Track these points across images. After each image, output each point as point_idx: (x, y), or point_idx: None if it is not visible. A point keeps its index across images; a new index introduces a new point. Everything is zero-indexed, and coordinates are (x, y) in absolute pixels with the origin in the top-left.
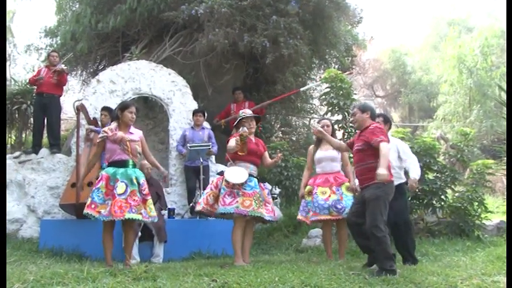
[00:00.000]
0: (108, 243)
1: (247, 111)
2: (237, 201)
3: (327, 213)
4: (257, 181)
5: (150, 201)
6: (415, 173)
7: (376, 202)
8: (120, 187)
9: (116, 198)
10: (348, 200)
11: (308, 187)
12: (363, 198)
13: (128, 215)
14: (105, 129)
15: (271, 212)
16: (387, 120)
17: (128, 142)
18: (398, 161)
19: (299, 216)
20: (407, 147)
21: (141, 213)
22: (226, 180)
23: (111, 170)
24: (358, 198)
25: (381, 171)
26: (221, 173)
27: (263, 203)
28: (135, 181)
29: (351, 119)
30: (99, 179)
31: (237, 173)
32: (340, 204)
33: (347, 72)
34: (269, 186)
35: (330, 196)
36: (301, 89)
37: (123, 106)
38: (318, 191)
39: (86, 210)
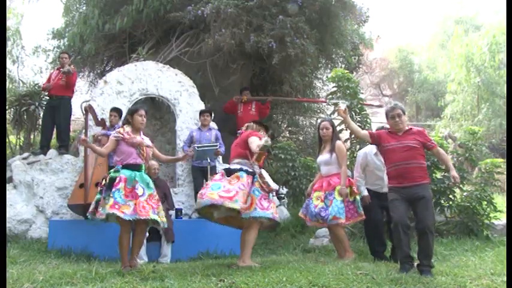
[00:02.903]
0: (126, 244)
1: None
2: (271, 207)
3: (315, 220)
4: None
5: (160, 206)
6: None
7: (431, 201)
8: (139, 189)
9: (138, 199)
10: (335, 206)
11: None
12: (411, 196)
13: (152, 216)
14: (121, 131)
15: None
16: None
17: (145, 147)
18: None
19: (300, 213)
20: None
21: (160, 216)
22: (264, 183)
23: (127, 172)
24: (401, 198)
25: (456, 173)
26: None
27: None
28: (151, 185)
29: (396, 120)
30: (117, 180)
31: (270, 179)
32: (325, 212)
33: (377, 105)
34: (276, 186)
35: (319, 203)
36: (329, 101)
37: (133, 110)
38: (314, 196)
39: (110, 210)
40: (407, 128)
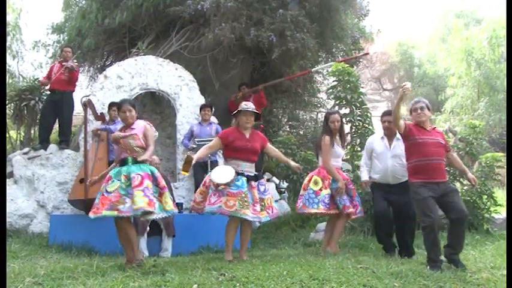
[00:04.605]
0: (123, 240)
1: (249, 105)
2: (220, 201)
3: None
4: (246, 180)
5: (166, 193)
6: None
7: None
8: (111, 185)
9: (104, 195)
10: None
11: (315, 177)
12: (443, 192)
13: (104, 212)
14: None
15: (258, 212)
16: None
17: (122, 140)
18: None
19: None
20: None
21: (117, 209)
22: (210, 181)
23: (115, 170)
24: (434, 194)
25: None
26: None
27: (251, 204)
28: (135, 173)
29: (419, 112)
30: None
31: (223, 173)
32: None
33: (362, 54)
34: (276, 181)
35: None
36: (313, 70)
37: (118, 107)
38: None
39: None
40: (429, 124)
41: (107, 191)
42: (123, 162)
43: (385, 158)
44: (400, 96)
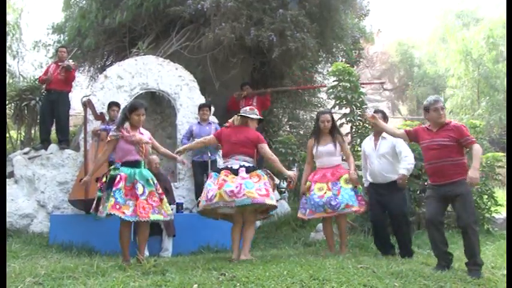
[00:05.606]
0: (126, 239)
1: (255, 111)
2: None
3: (321, 210)
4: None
5: (165, 199)
6: (404, 168)
7: (470, 197)
8: (139, 188)
9: (139, 200)
10: (345, 194)
11: (308, 183)
12: (445, 194)
13: (152, 216)
14: (122, 129)
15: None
16: (386, 117)
17: (144, 144)
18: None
19: (299, 214)
20: (401, 140)
21: (161, 214)
22: (273, 183)
23: (127, 170)
24: (436, 195)
25: (475, 174)
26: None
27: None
28: (151, 181)
29: (441, 113)
30: (117, 180)
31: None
32: (335, 201)
33: (379, 81)
34: (276, 181)
35: (325, 193)
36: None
37: (131, 108)
38: (315, 187)
39: (110, 211)
40: (445, 121)
41: (139, 194)
42: (135, 165)
43: (373, 158)
44: (374, 124)
